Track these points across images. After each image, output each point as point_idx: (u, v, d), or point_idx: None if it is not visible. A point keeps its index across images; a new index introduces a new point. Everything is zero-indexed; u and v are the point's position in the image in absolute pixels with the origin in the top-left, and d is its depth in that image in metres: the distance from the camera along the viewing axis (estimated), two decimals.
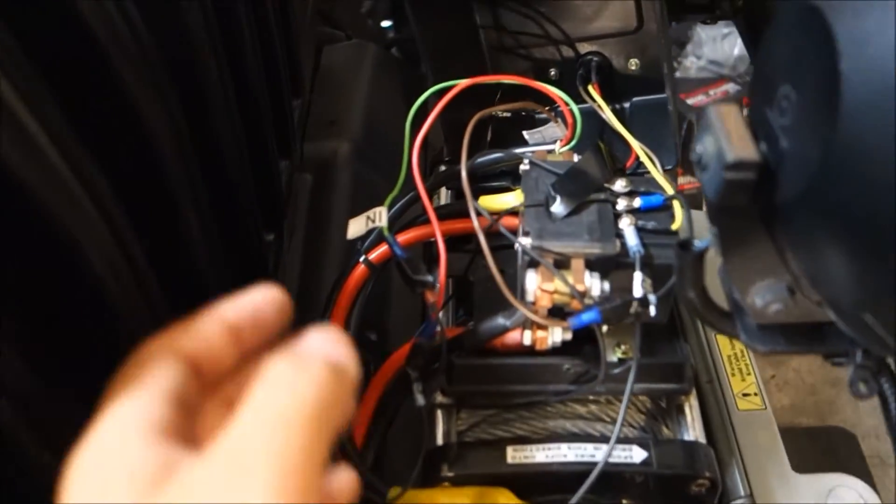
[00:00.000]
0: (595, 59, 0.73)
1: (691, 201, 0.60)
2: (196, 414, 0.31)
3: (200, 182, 0.54)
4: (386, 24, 1.36)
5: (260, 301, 0.34)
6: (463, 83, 0.63)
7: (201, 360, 0.32)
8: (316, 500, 0.27)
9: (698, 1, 0.70)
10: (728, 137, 0.35)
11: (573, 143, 0.66)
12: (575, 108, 0.63)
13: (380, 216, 0.57)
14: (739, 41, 1.88)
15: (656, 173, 0.63)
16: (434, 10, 0.70)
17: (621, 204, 0.59)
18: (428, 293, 0.56)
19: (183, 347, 0.32)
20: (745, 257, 0.39)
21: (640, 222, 0.58)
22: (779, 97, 0.36)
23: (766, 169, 0.36)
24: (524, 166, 0.64)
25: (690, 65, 1.87)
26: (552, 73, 0.74)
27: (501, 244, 0.69)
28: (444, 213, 0.72)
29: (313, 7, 1.11)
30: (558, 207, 0.58)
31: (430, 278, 0.56)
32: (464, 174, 0.59)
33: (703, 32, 1.79)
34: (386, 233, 0.57)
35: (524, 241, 0.57)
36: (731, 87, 1.85)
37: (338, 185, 0.98)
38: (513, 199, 0.68)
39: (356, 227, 0.57)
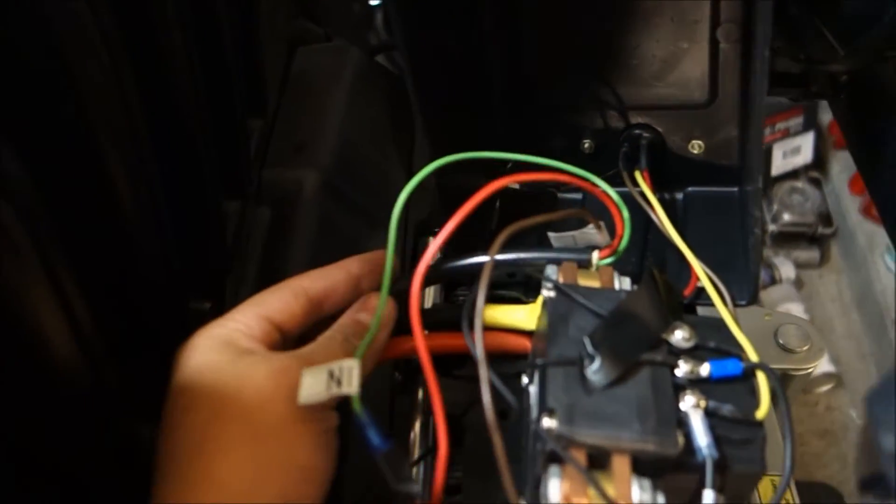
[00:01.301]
0: (646, 134, 0.55)
1: None
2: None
3: None
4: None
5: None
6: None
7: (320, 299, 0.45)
8: None
9: (789, 70, 0.53)
10: None
11: (615, 256, 0.48)
12: (625, 212, 0.46)
13: (349, 376, 0.39)
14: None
15: (729, 318, 0.46)
16: (428, 30, 0.52)
17: (683, 368, 0.42)
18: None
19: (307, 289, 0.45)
20: None
21: (711, 403, 0.41)
22: None
23: None
24: (548, 292, 0.46)
25: None
26: (585, 145, 0.57)
27: (508, 372, 0.53)
28: (432, 321, 0.55)
29: None
30: (598, 374, 0.41)
31: (416, 487, 0.38)
32: (479, 303, 0.42)
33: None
34: (358, 409, 0.39)
35: (548, 425, 0.39)
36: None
37: (299, 225, 0.79)
38: (524, 316, 0.51)
39: (313, 389, 0.39)
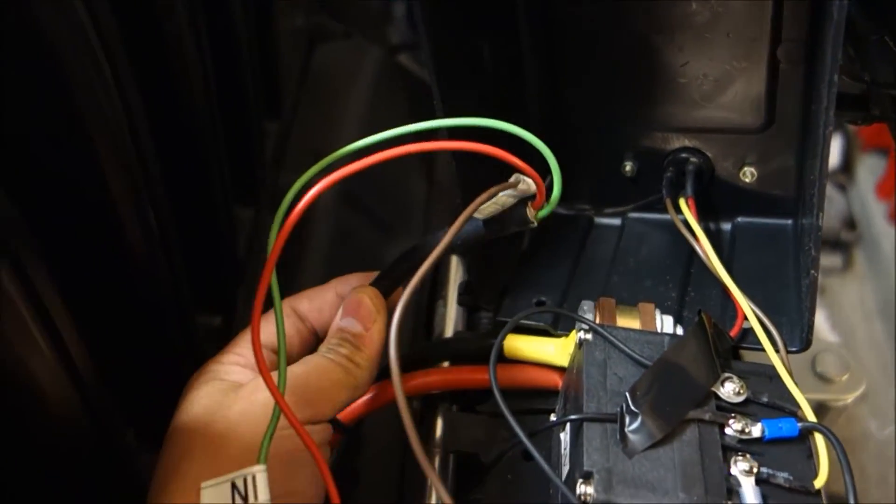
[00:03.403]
0: (693, 158, 0.50)
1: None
2: None
3: None
4: None
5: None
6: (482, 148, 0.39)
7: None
8: None
9: (850, 91, 0.48)
10: None
11: (550, 204, 0.42)
12: (548, 153, 0.39)
13: (254, 487, 0.34)
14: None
15: (782, 368, 0.42)
16: (458, 35, 0.47)
17: (734, 427, 0.38)
18: None
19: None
20: None
21: (764, 469, 0.37)
22: None
23: None
24: (584, 334, 0.42)
25: None
26: (626, 167, 0.52)
27: (530, 408, 0.50)
28: (452, 351, 0.52)
29: None
30: (639, 433, 0.37)
31: None
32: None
33: None
34: None
35: (583, 490, 0.36)
36: None
37: (314, 234, 0.76)
38: (555, 350, 0.48)
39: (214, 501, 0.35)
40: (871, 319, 1.92)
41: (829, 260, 1.96)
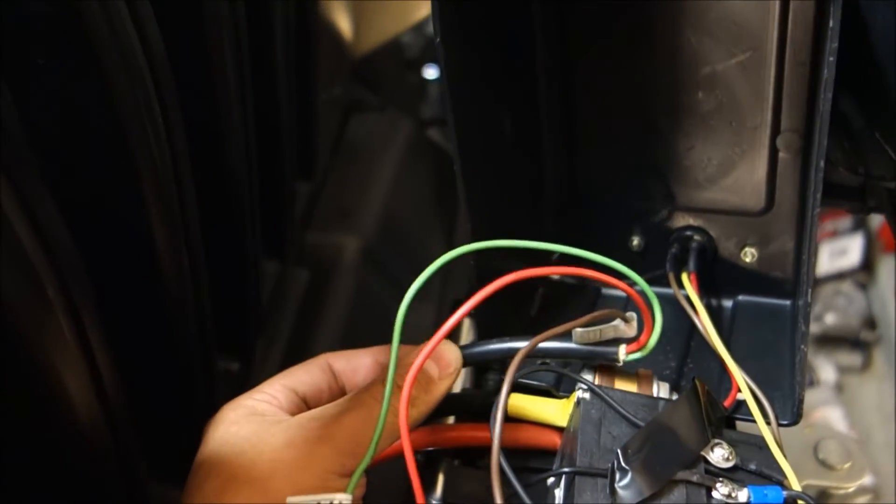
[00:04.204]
0: (696, 237, 0.53)
1: None
2: None
3: None
4: (431, 75, 1.17)
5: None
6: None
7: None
8: None
9: (847, 182, 0.51)
10: None
11: (643, 351, 0.45)
12: (656, 304, 0.43)
13: None
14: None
15: (771, 439, 0.43)
16: (481, 107, 0.51)
17: (721, 491, 0.40)
18: None
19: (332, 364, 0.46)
20: None
21: None
22: None
23: None
24: (582, 394, 0.44)
25: None
26: (634, 242, 0.55)
27: (529, 466, 0.51)
28: (458, 405, 0.54)
29: (349, 64, 0.93)
30: (628, 490, 0.39)
31: None
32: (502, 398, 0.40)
33: None
34: None
35: None
36: None
37: (337, 291, 0.79)
38: (555, 410, 0.50)
39: None
40: (889, 421, 1.89)
41: (848, 359, 1.95)
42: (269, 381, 0.44)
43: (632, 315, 0.43)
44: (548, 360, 0.54)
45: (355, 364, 0.46)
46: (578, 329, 0.44)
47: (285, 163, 0.70)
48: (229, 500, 0.37)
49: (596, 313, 0.43)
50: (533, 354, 0.46)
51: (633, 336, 0.44)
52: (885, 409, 1.91)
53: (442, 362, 0.44)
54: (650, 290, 0.41)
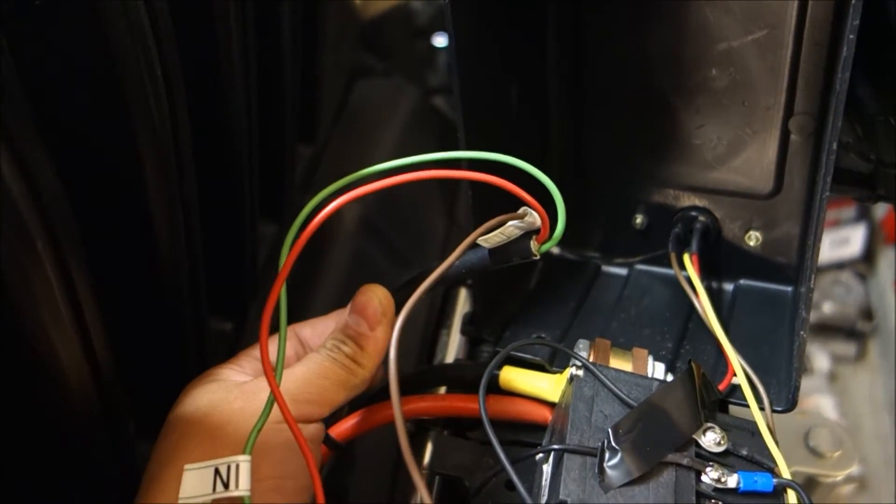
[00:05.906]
0: (701, 217, 0.52)
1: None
2: None
3: None
4: (440, 43, 1.16)
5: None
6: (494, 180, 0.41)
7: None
8: None
9: (857, 168, 0.50)
10: None
11: (554, 240, 0.43)
12: (554, 191, 0.39)
13: (236, 475, 0.36)
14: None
15: (764, 426, 0.43)
16: (489, 76, 0.49)
17: (711, 476, 0.40)
18: None
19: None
20: None
21: None
22: None
23: None
24: (576, 370, 0.44)
25: None
26: (637, 220, 0.54)
27: (519, 440, 0.51)
28: (450, 376, 0.53)
29: (356, 28, 0.91)
30: (617, 469, 0.39)
31: None
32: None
33: None
34: None
35: None
36: None
37: (332, 256, 0.78)
38: (548, 386, 0.49)
39: (195, 490, 0.36)
40: (879, 412, 1.90)
41: (843, 348, 1.95)
42: (240, 355, 0.46)
43: (525, 209, 0.41)
44: (543, 336, 0.54)
45: (320, 330, 0.47)
46: (483, 237, 0.42)
47: (287, 125, 0.69)
48: (180, 455, 0.39)
49: (493, 220, 0.41)
50: (454, 272, 0.45)
51: (538, 227, 0.41)
52: (877, 400, 1.92)
53: (367, 313, 0.44)
54: (543, 177, 0.39)
